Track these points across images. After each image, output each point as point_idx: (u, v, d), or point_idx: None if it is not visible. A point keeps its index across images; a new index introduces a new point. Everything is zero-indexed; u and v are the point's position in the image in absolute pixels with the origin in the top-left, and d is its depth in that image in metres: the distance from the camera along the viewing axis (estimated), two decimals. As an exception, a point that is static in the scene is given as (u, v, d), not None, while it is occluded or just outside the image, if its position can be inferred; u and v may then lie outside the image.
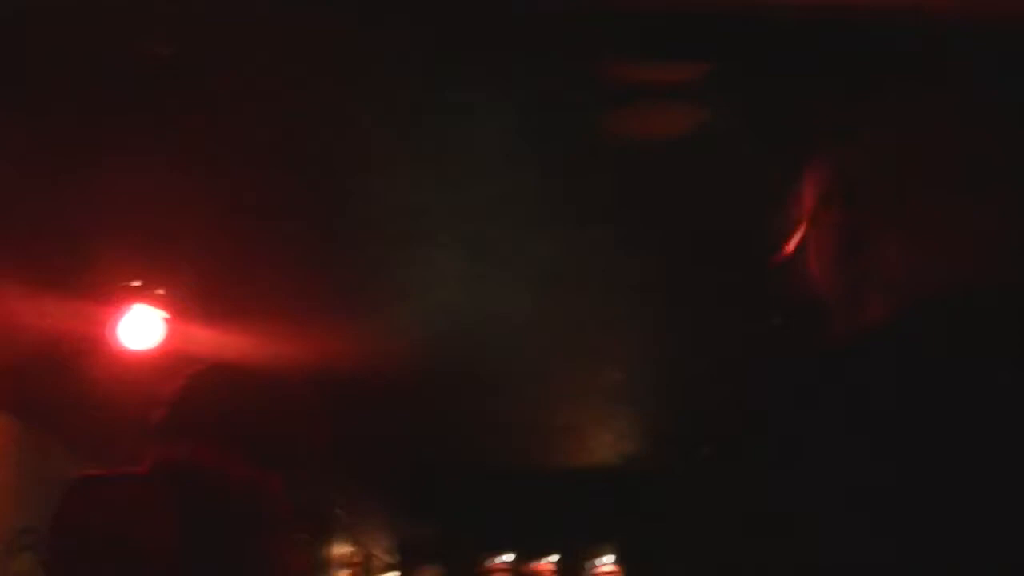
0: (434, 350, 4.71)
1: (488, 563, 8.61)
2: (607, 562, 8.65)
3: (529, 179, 3.45)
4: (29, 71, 2.93)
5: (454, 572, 8.58)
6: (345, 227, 3.83)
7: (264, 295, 4.22)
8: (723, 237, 3.70)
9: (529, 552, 8.73)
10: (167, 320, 4.36)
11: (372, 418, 5.24)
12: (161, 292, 4.27)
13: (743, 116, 3.04)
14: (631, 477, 7.23)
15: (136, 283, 4.23)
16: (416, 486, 7.06)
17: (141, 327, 4.32)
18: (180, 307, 4.28)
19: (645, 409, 5.94)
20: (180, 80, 2.98)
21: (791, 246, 1.66)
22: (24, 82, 2.97)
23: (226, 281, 4.11)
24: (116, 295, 4.22)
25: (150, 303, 4.33)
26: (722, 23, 2.56)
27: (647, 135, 3.18)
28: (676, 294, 4.33)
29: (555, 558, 8.90)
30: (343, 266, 4.11)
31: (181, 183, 3.47)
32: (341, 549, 7.80)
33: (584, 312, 4.37)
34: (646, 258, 3.97)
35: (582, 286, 4.14)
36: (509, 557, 9.25)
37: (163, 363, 4.21)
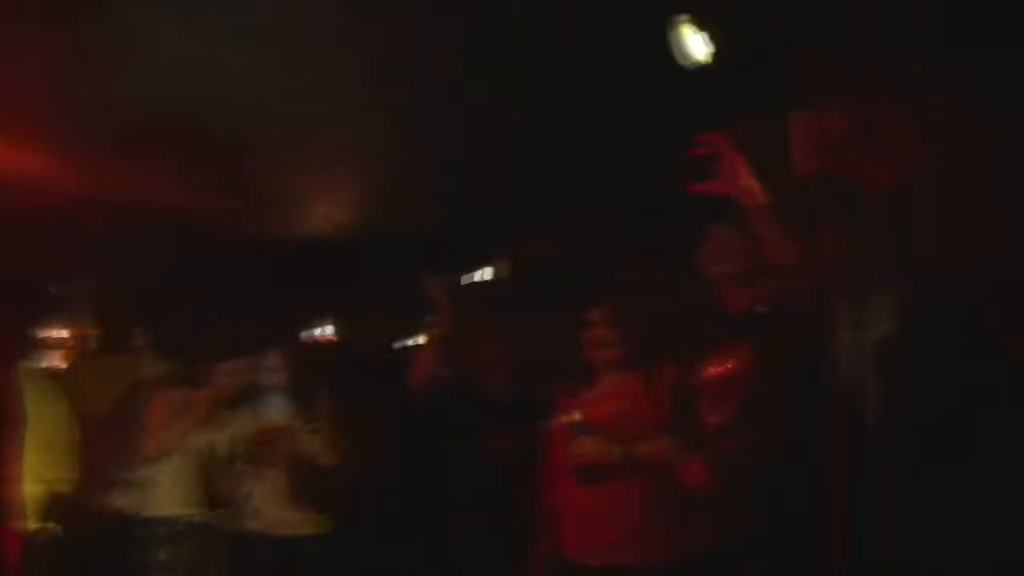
0: (145, 115, 4.59)
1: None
2: (326, 330, 8.83)
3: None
4: None
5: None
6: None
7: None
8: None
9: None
10: None
11: (84, 184, 5.09)
12: None
13: None
14: (346, 246, 7.36)
15: None
16: (129, 258, 6.92)
17: None
18: None
19: (363, 177, 6.00)
20: None
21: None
22: None
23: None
24: None
25: None
26: None
27: None
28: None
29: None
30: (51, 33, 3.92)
31: None
32: (53, 331, 7.60)
33: (306, 75, 4.29)
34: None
35: (304, 48, 4.04)
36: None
37: None
